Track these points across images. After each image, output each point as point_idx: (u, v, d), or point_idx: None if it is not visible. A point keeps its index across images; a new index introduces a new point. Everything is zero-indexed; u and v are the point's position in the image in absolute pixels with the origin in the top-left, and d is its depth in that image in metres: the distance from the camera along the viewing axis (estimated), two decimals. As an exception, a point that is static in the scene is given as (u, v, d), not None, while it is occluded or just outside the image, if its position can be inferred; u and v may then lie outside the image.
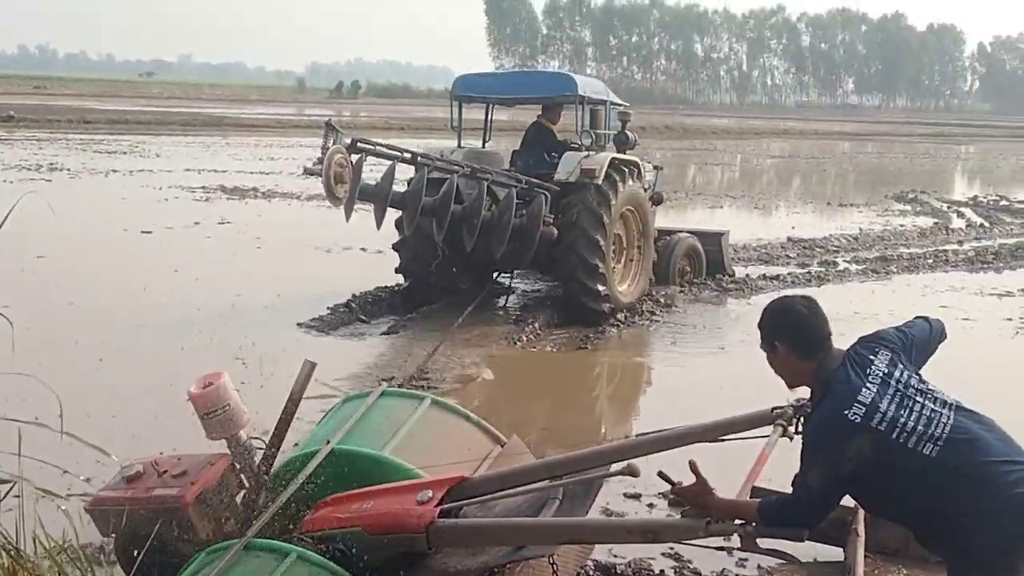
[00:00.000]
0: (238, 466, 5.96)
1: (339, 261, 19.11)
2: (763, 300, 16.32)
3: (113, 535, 5.80)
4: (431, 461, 5.88)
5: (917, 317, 4.95)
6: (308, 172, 12.47)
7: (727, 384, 11.41)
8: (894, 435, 4.24)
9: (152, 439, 8.09)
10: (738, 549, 4.67)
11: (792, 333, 4.59)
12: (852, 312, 14.61)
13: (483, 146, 16.38)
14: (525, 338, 13.70)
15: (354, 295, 15.42)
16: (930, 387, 4.45)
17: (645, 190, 16.07)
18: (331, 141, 11.85)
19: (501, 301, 15.81)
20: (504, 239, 13.75)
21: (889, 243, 22.92)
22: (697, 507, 4.64)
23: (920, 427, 4.25)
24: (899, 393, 4.32)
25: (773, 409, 5.15)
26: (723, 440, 5.40)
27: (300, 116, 72.93)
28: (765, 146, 63.50)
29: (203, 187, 29.59)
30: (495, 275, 15.86)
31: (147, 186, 29.57)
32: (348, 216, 12.58)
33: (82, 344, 12.29)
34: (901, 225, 26.55)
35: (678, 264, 17.19)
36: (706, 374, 12.40)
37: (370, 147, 12.53)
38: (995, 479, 4.19)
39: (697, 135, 70.30)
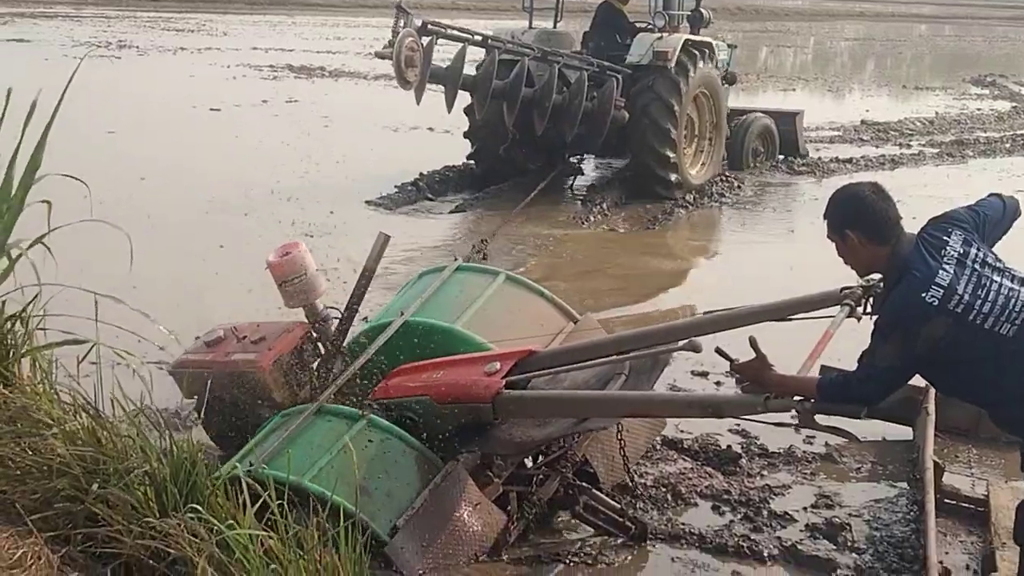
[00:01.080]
0: (315, 334, 6.09)
1: (406, 140, 19.06)
2: (835, 183, 16.09)
3: (195, 397, 6.01)
4: (503, 335, 5.91)
5: (991, 194, 4.80)
6: (379, 55, 12.43)
7: (797, 266, 11.30)
8: (971, 316, 4.16)
9: (221, 312, 8.16)
10: (797, 426, 4.60)
11: (863, 219, 4.45)
12: (927, 196, 14.34)
13: (554, 27, 16.11)
14: (592, 218, 13.64)
15: (421, 174, 15.38)
16: (1006, 265, 4.35)
17: (718, 69, 15.82)
18: (402, 24, 11.85)
19: (570, 182, 15.69)
20: (575, 123, 13.75)
21: (965, 127, 22.42)
22: (756, 383, 4.62)
23: (997, 307, 4.17)
24: (975, 273, 4.22)
25: (842, 289, 5.06)
26: (791, 319, 5.35)
27: (367, -5, 72.28)
28: (839, 28, 61.88)
29: (270, 66, 29.52)
30: (565, 157, 15.75)
31: (215, 64, 29.56)
32: (419, 99, 12.49)
33: (154, 218, 12.39)
34: (978, 109, 25.93)
35: (751, 144, 16.96)
36: (775, 256, 12.30)
37: (441, 30, 12.48)
38: None
39: (770, 17, 68.64)
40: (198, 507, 4.16)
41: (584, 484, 5.68)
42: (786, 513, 6.07)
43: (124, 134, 18.05)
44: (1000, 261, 4.36)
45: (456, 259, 6.76)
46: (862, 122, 22.08)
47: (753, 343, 4.54)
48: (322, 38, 40.41)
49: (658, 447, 6.80)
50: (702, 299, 10.55)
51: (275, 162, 16.32)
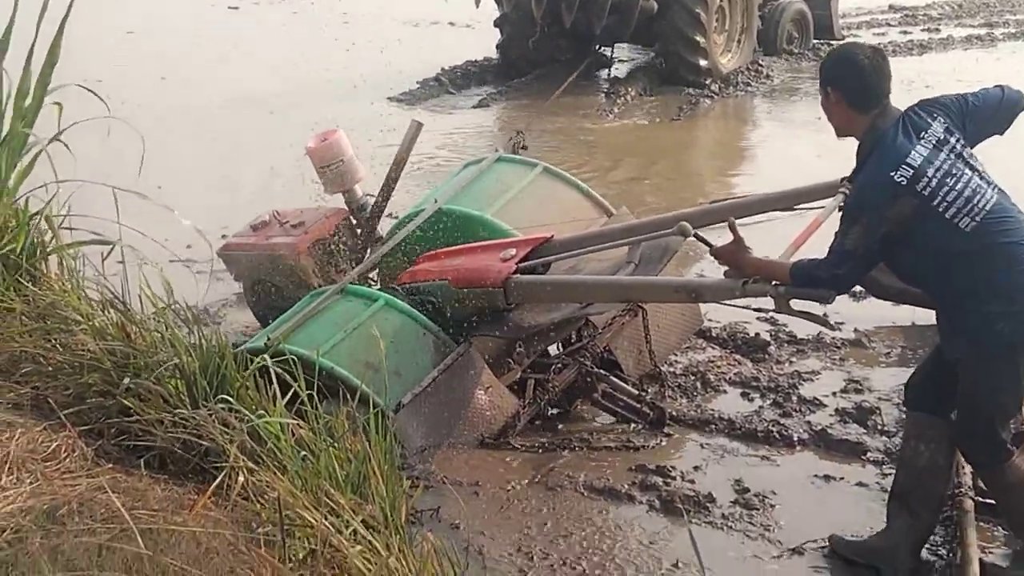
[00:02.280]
0: (353, 220, 6.25)
1: (427, 35, 18.84)
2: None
3: (241, 280, 6.33)
4: (533, 225, 5.93)
5: (995, 86, 4.56)
6: None
7: (825, 152, 11.16)
8: (935, 202, 4.05)
9: (245, 210, 8.14)
10: (773, 311, 4.55)
11: (847, 80, 4.32)
12: (955, 80, 14.10)
13: None
14: (616, 109, 13.48)
15: (443, 69, 15.24)
16: (978, 162, 4.21)
17: None
18: None
19: (604, 73, 15.48)
20: (603, 14, 13.74)
21: (994, 10, 21.90)
22: (734, 267, 4.56)
23: (961, 200, 4.06)
24: (948, 162, 4.09)
25: (842, 179, 4.97)
26: (796, 209, 5.28)
27: None
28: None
29: (288, -39, 29.15)
30: (596, 48, 15.54)
31: (232, -40, 29.20)
32: None
33: (176, 118, 12.35)
34: (1008, -8, 25.34)
35: (785, 30, 16.68)
36: (802, 143, 12.15)
37: None
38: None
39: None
40: (228, 398, 4.17)
41: (602, 372, 5.71)
42: (815, 398, 6.04)
43: (143, 34, 17.92)
44: (975, 158, 4.21)
45: (497, 150, 6.75)
46: (889, 6, 21.60)
47: (731, 226, 4.50)
48: (339, -67, 39.82)
49: (689, 336, 6.79)
50: (723, 187, 10.49)
51: (294, 59, 16.18)
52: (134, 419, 4.32)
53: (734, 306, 4.81)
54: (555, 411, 5.89)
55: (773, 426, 5.70)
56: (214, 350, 4.43)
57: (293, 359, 4.45)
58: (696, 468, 5.37)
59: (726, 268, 4.65)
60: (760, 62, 15.56)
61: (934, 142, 4.13)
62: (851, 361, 6.59)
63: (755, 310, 4.78)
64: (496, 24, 15.43)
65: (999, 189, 4.17)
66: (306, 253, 5.99)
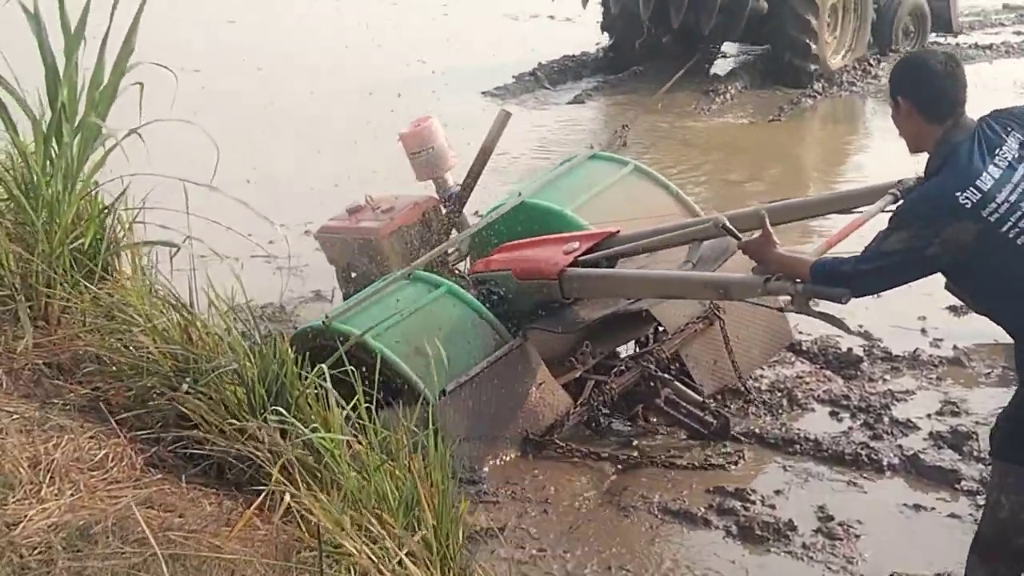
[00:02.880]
0: (443, 209, 6.31)
1: (526, 29, 18.67)
2: (973, 70, 15.40)
3: (334, 264, 6.44)
4: (615, 222, 5.79)
5: None
6: None
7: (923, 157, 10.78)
8: (1004, 228, 3.74)
9: (335, 201, 8.05)
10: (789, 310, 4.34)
11: (918, 89, 4.02)
12: (1072, 86, 13.58)
13: None
14: (715, 107, 13.23)
15: (540, 63, 15.07)
16: None
17: None
18: None
19: (710, 70, 15.19)
20: (713, 14, 13.66)
21: (1117, 11, 21.14)
22: (761, 262, 4.38)
23: None
24: (1022, 184, 3.78)
25: (898, 181, 4.69)
26: (854, 211, 5.00)
27: None
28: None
29: (389, -48, 29.21)
30: (709, 47, 15.26)
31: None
32: None
33: (270, 109, 12.36)
34: None
35: (902, 23, 16.15)
36: (902, 146, 11.75)
37: None
38: None
39: None
40: (281, 410, 4.03)
41: (666, 376, 5.56)
42: (909, 420, 5.75)
43: (243, 24, 18.02)
44: None
45: (591, 147, 6.71)
46: (1004, 5, 20.89)
47: (761, 219, 4.33)
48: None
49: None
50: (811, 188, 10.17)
51: (392, 50, 16.14)
52: (191, 425, 4.21)
53: (762, 304, 4.69)
54: (628, 424, 5.72)
55: (862, 449, 5.42)
56: (273, 356, 4.29)
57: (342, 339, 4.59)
58: (777, 492, 5.13)
59: (753, 264, 4.45)
60: (870, 60, 15.07)
61: (1009, 160, 3.83)
62: (948, 381, 6.28)
63: (779, 310, 4.57)
64: (603, 28, 15.40)
65: None
66: (389, 238, 6.06)
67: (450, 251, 5.98)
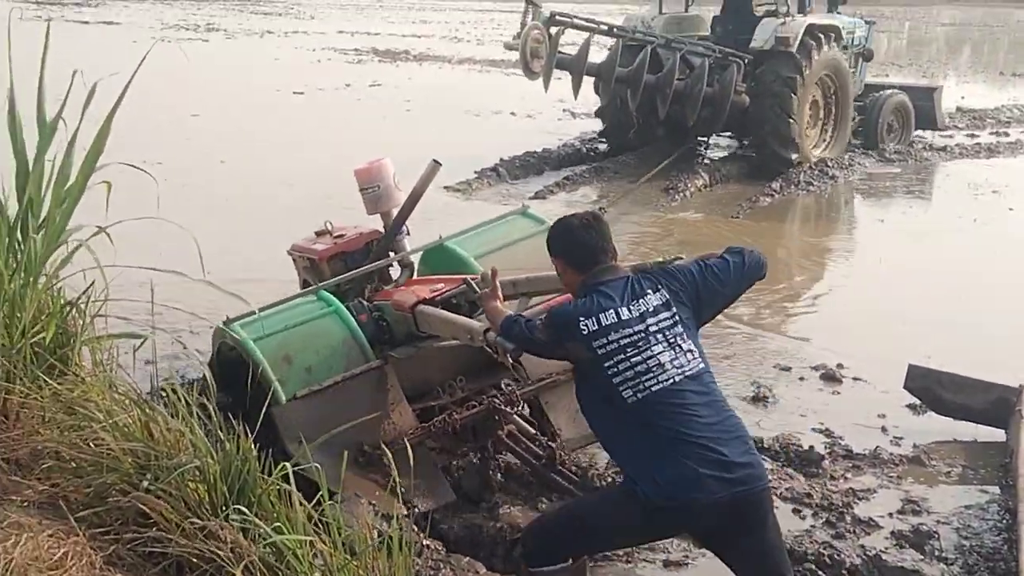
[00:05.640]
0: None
1: (488, 126, 18.86)
2: (927, 171, 15.70)
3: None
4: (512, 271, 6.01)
5: (734, 252, 4.70)
6: (507, 47, 14.17)
7: (885, 259, 10.92)
8: (606, 364, 4.28)
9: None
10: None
11: (566, 248, 4.65)
12: (1025, 184, 13.87)
13: (685, 10, 16.65)
14: (674, 203, 13.47)
15: (501, 159, 15.22)
16: (685, 345, 4.35)
17: (855, 47, 16.39)
18: (530, 17, 12.95)
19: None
20: (696, 107, 14.39)
21: (1066, 115, 21.64)
22: (486, 313, 4.92)
23: (632, 372, 4.25)
24: (641, 334, 4.30)
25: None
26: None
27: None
28: (935, 13, 60.16)
29: (355, 49, 29.55)
30: (691, 139, 16.12)
31: (301, 47, 29.67)
32: (546, 86, 13.58)
33: (232, 199, 12.38)
34: (1079, 97, 25.01)
35: (886, 120, 16.84)
36: (834, 257, 11.91)
37: (567, 20, 13.65)
38: (673, 453, 4.14)
39: (863, 2, 67.37)
40: (243, 509, 3.98)
41: (509, 412, 5.78)
42: (870, 519, 5.77)
43: (208, 117, 18.11)
44: (681, 338, 4.36)
45: (523, 204, 7.15)
46: (957, 109, 21.36)
47: (492, 273, 4.95)
48: (408, 22, 40.42)
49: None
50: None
51: (355, 146, 16.17)
52: (152, 523, 4.15)
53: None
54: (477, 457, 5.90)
55: (825, 549, 5.39)
56: (236, 452, 4.25)
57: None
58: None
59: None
60: (827, 162, 15.37)
61: (641, 312, 4.35)
62: (909, 479, 6.33)
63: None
64: (596, 114, 16.47)
65: (691, 376, 4.29)
66: (329, 261, 6.47)
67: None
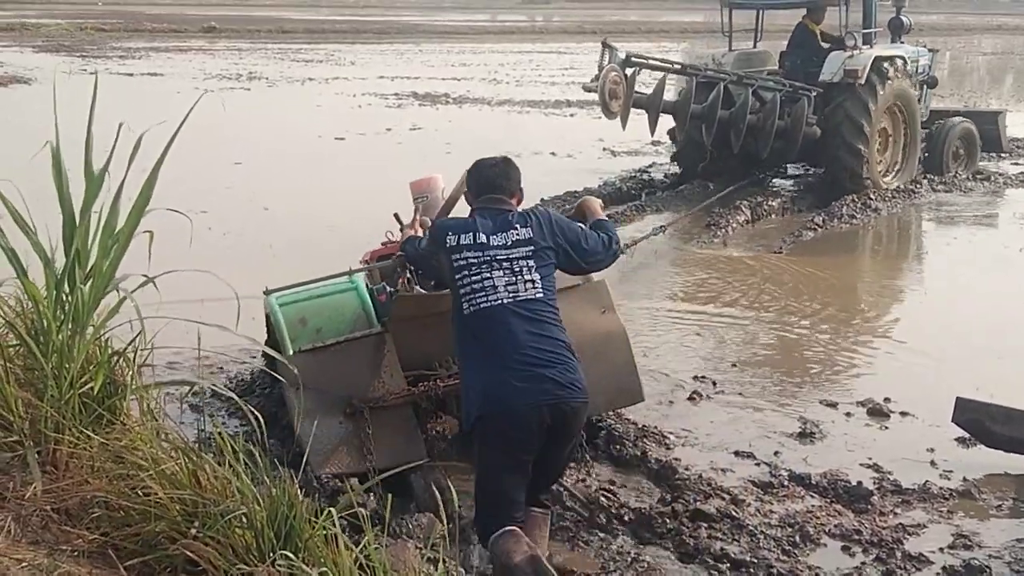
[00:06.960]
0: None
1: (529, 165, 18.50)
2: (970, 201, 15.59)
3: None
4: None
5: (603, 233, 5.56)
6: (586, 89, 14.70)
7: (929, 293, 10.80)
8: (456, 276, 5.18)
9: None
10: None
11: (470, 176, 5.59)
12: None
13: (753, 47, 17.10)
14: (715, 240, 13.47)
15: (543, 199, 15.20)
16: (528, 275, 5.14)
17: (919, 75, 16.67)
18: (607, 59, 13.50)
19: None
20: (769, 141, 14.80)
21: None
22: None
23: (470, 288, 5.12)
24: (488, 258, 5.14)
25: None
26: None
27: (492, 23, 72.47)
28: (976, 42, 59.94)
29: (395, 94, 29.70)
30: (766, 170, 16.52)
31: (341, 93, 29.85)
32: (624, 125, 14.07)
33: (276, 248, 12.45)
34: (1123, 122, 24.74)
35: (952, 147, 17.00)
36: (875, 286, 11.80)
37: (643, 61, 14.41)
38: (492, 365, 4.98)
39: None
40: (290, 555, 4.01)
41: None
42: (921, 555, 5.73)
43: (250, 165, 18.26)
44: (525, 268, 5.14)
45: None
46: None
47: (397, 217, 7.00)
48: (447, 65, 40.58)
49: (785, 482, 6.52)
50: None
51: (396, 191, 16.26)
52: (200, 570, 4.18)
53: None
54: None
55: (876, 586, 5.36)
56: (283, 498, 4.27)
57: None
58: (792, 632, 5.06)
59: None
60: (870, 195, 15.24)
61: (502, 242, 5.16)
62: (960, 514, 6.27)
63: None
64: (673, 158, 17.04)
65: (523, 300, 5.08)
66: (372, 261, 7.30)
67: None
